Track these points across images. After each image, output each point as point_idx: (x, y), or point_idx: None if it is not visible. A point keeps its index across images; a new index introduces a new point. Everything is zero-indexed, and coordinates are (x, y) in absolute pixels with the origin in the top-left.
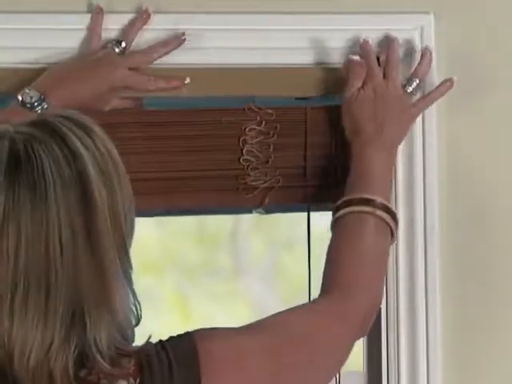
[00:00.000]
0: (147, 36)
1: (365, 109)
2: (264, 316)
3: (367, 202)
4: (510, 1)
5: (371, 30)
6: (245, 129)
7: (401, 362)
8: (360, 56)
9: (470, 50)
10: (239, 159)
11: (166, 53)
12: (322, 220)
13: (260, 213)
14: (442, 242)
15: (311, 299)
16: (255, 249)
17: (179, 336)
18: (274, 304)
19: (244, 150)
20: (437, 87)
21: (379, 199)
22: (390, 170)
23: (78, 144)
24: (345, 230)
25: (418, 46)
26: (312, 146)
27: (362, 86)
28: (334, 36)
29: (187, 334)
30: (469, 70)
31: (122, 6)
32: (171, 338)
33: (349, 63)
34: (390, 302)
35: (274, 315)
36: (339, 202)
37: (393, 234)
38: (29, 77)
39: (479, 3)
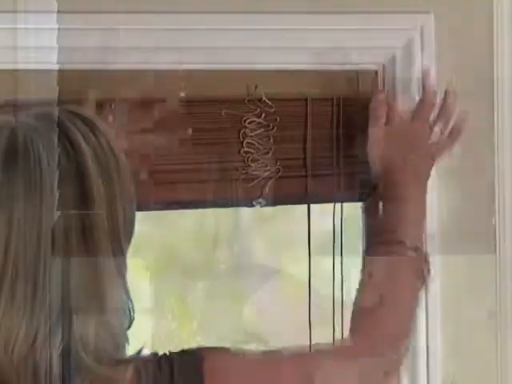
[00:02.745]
0: (147, 36)
1: (392, 145)
2: (263, 316)
3: (399, 243)
4: (510, 1)
5: (371, 29)
6: (245, 121)
7: None
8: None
9: (469, 50)
10: (239, 151)
11: None
12: (323, 220)
13: (260, 204)
14: (441, 243)
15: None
16: (255, 248)
17: (187, 349)
18: (273, 304)
19: (244, 142)
20: (455, 126)
21: (409, 241)
22: (423, 209)
23: (80, 139)
24: (373, 275)
25: (418, 45)
26: (312, 138)
27: (389, 123)
28: (334, 36)
29: (197, 348)
30: (469, 70)
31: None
32: (181, 350)
33: (372, 101)
34: None
35: (294, 352)
36: (372, 229)
37: (424, 276)
38: (29, 77)
39: (479, 3)
